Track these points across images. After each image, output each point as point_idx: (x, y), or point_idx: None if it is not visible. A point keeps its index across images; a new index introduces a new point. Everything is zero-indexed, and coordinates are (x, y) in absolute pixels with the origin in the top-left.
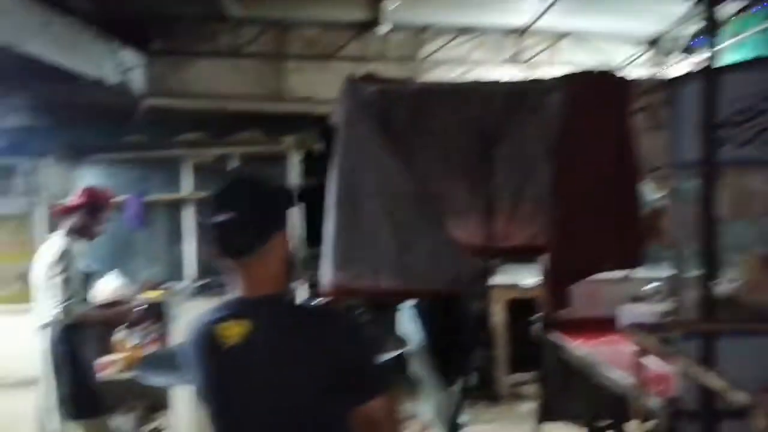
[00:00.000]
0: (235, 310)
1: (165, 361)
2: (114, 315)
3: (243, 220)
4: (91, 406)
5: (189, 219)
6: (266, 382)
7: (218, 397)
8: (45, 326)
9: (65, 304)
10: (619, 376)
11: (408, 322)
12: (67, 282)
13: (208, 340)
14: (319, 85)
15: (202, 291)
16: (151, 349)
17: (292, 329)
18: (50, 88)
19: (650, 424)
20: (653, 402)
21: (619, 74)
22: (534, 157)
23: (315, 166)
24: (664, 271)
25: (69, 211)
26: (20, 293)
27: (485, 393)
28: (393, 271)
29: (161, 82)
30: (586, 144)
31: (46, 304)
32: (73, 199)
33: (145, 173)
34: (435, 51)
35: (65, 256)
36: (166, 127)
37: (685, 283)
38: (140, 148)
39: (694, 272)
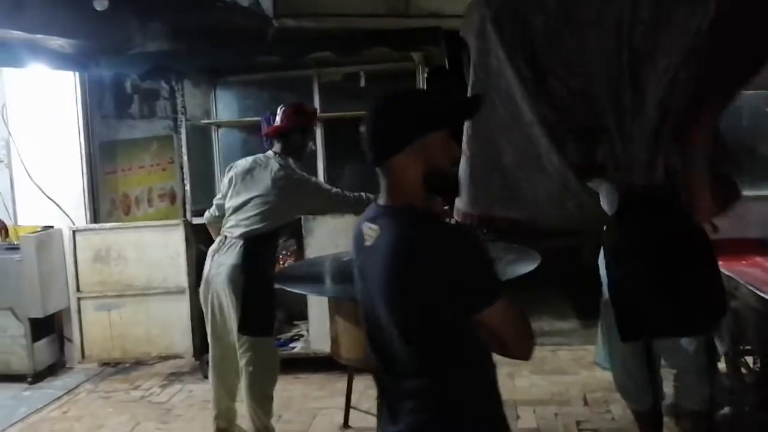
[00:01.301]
0: (373, 214)
1: (303, 272)
2: None
3: (370, 132)
4: (269, 323)
5: (318, 137)
6: (383, 287)
7: (359, 294)
8: (245, 239)
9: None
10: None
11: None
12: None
13: (357, 237)
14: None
15: None
16: (291, 262)
17: (407, 238)
18: (187, 13)
19: None
20: None
21: None
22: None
23: (443, 83)
24: None
25: (278, 132)
26: (167, 210)
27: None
28: (515, 201)
29: (290, 3)
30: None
31: (250, 220)
32: (282, 118)
33: (277, 93)
34: None
35: (291, 176)
36: (295, 47)
37: None
38: (272, 68)
39: None
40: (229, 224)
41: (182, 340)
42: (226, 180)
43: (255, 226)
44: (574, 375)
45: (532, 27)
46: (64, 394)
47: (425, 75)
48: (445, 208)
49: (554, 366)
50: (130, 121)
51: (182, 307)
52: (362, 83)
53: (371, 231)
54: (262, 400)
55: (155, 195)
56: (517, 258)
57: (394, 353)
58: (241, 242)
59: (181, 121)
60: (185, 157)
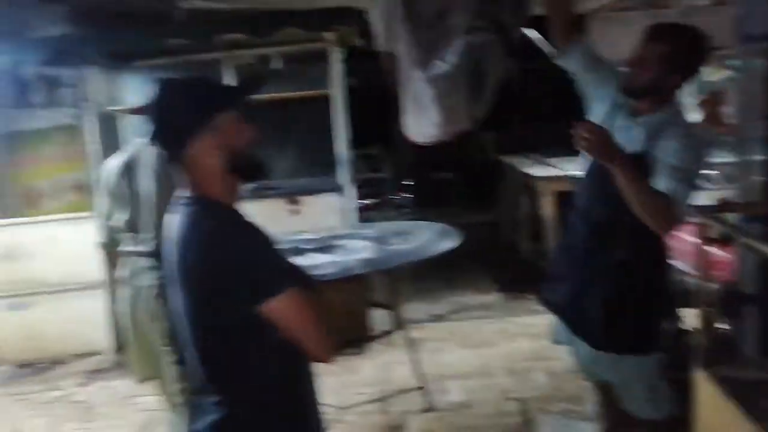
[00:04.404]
0: (173, 207)
1: None
2: None
3: (157, 127)
4: None
5: None
6: (178, 279)
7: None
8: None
9: None
10: (680, 265)
11: None
12: None
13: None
14: None
15: None
16: None
17: (191, 228)
18: None
19: (710, 310)
20: (713, 287)
21: None
22: None
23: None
24: (723, 158)
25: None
26: (75, 203)
27: (536, 284)
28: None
29: None
30: None
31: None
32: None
33: (180, 75)
34: None
35: None
36: (205, 29)
37: (749, 167)
38: (181, 52)
39: (760, 156)
40: (130, 243)
41: (101, 336)
42: (106, 195)
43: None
44: (498, 347)
45: None
46: None
47: (341, 55)
48: None
49: (478, 339)
50: (31, 111)
51: (98, 302)
52: (279, 65)
53: (169, 225)
54: None
55: (64, 187)
56: (439, 235)
57: (193, 367)
58: (153, 259)
59: (87, 109)
60: (98, 146)
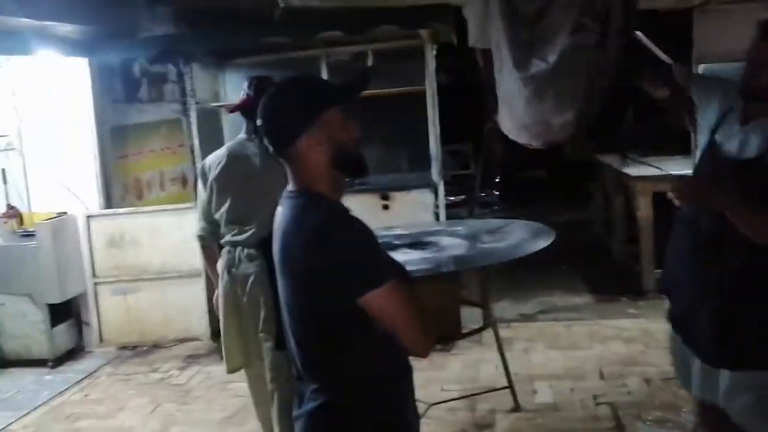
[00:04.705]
0: (282, 201)
1: None
2: None
3: (268, 122)
4: None
5: None
6: (281, 270)
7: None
8: (258, 244)
9: None
10: None
11: None
12: None
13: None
14: None
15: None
16: None
17: (294, 221)
18: None
19: None
20: None
21: None
22: None
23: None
24: None
25: (244, 106)
26: (177, 195)
27: (630, 287)
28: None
29: None
30: None
31: (253, 222)
32: (248, 93)
33: (285, 74)
34: None
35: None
36: (303, 27)
37: None
38: (279, 49)
39: None
40: (231, 233)
41: (199, 323)
42: (201, 185)
43: (263, 226)
44: (589, 350)
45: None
46: (85, 377)
47: (434, 52)
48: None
49: (569, 341)
50: (139, 106)
51: (198, 290)
52: (370, 62)
53: (276, 218)
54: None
55: (167, 179)
56: (533, 234)
57: (294, 354)
58: (252, 248)
59: (190, 104)
60: (196, 140)
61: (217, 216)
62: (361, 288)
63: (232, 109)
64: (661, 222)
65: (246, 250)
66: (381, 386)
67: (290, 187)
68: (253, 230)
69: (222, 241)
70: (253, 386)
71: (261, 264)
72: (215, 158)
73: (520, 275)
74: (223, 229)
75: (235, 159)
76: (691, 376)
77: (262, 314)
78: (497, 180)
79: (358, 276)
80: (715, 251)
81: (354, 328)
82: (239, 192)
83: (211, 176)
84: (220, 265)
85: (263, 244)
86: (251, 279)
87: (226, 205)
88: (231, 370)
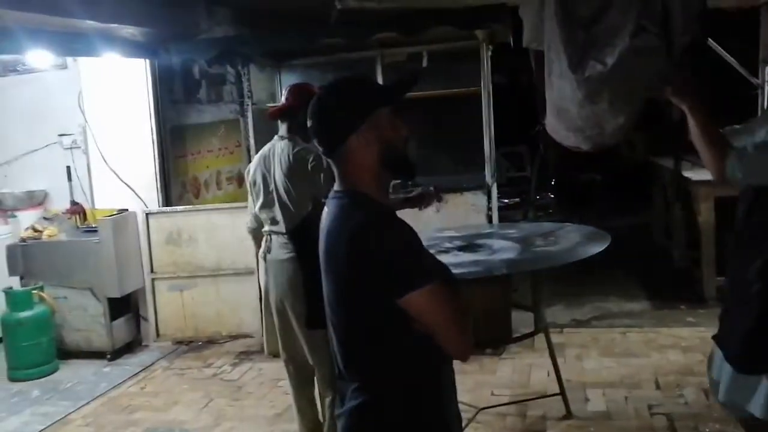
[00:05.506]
0: (329, 200)
1: None
2: None
3: (318, 122)
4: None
5: None
6: (325, 268)
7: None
8: (288, 231)
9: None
10: None
11: None
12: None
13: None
14: None
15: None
16: None
17: (339, 220)
18: None
19: None
20: None
21: None
22: None
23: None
24: None
25: (283, 111)
26: (232, 193)
27: (690, 294)
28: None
29: None
30: None
31: (286, 211)
32: (287, 97)
33: (338, 75)
34: None
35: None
36: (359, 28)
37: None
38: (335, 50)
39: None
40: (268, 224)
41: (251, 320)
42: (249, 185)
43: (294, 214)
44: (645, 358)
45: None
46: (141, 370)
47: (489, 52)
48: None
49: (624, 348)
50: (198, 106)
51: (251, 287)
52: (425, 63)
53: (323, 217)
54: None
55: (223, 178)
56: (587, 238)
57: (336, 352)
58: (285, 235)
59: (248, 105)
60: (252, 141)
61: (255, 210)
62: (401, 289)
63: (271, 114)
64: (723, 228)
65: (279, 238)
66: (419, 386)
67: (336, 186)
68: (282, 221)
69: (263, 230)
70: (292, 375)
71: (291, 250)
72: (255, 161)
73: (574, 280)
74: (262, 221)
75: (263, 158)
76: (720, 382)
77: (290, 297)
78: (552, 183)
79: (398, 277)
80: (750, 254)
81: (394, 329)
82: (267, 188)
83: (250, 173)
84: (260, 252)
85: (294, 234)
86: (282, 264)
87: (260, 201)
88: (270, 353)
